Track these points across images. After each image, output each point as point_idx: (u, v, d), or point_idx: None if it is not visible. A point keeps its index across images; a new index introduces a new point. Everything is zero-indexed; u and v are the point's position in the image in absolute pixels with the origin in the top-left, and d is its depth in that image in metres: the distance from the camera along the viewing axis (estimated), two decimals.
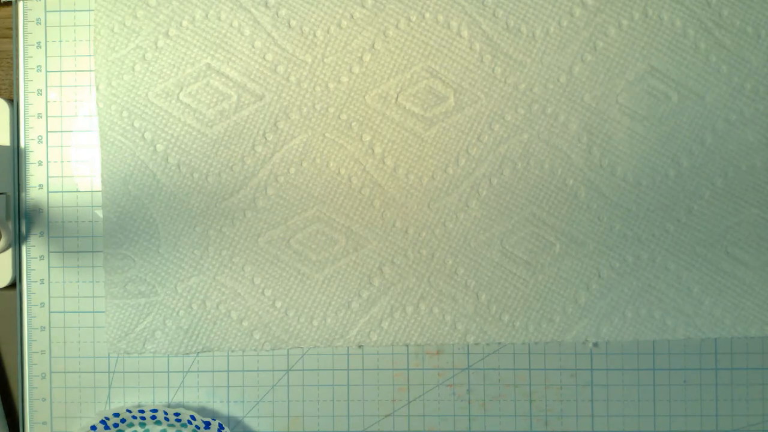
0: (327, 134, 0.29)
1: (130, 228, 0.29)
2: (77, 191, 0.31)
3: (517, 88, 0.29)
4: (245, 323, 0.30)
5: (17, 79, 0.30)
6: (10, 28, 0.31)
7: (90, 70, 0.30)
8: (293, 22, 0.29)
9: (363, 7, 0.29)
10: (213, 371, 0.29)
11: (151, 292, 0.30)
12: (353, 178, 0.30)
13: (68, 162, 0.31)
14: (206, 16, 0.29)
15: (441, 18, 0.29)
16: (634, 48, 0.29)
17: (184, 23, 0.29)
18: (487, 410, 0.31)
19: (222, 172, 0.29)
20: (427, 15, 0.29)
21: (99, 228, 0.31)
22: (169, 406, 0.30)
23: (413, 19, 0.29)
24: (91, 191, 0.31)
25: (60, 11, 0.30)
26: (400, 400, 0.31)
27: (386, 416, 0.31)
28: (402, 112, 0.29)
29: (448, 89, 0.29)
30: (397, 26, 0.29)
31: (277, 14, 0.29)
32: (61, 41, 0.30)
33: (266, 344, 0.30)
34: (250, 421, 0.31)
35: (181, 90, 0.29)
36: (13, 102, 0.31)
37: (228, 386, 0.31)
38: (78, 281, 0.31)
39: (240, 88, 0.29)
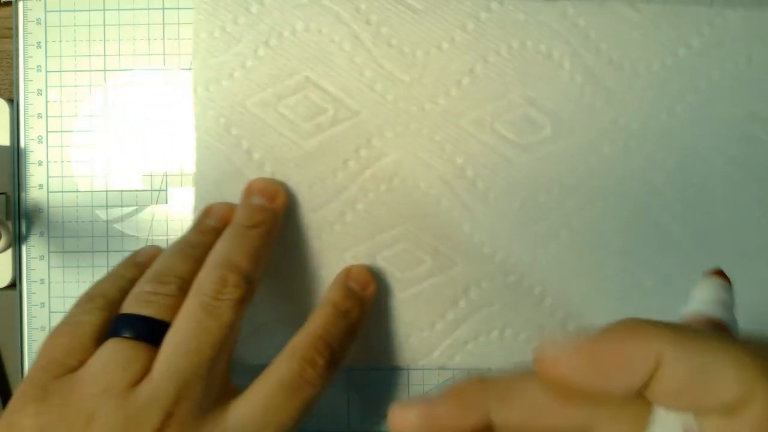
0: (419, 154, 0.29)
1: None
2: (77, 191, 0.31)
3: (616, 123, 0.29)
4: None
5: (17, 79, 0.30)
6: (10, 28, 0.31)
7: (90, 70, 0.31)
8: (394, 41, 0.29)
9: (464, 31, 0.29)
10: None
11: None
12: (443, 199, 0.29)
13: (68, 162, 0.31)
14: (307, 28, 0.29)
15: (543, 48, 0.29)
16: (735, 94, 0.29)
17: (285, 34, 0.29)
18: None
19: (313, 185, 0.29)
20: (529, 44, 0.29)
21: (99, 228, 0.31)
22: None
23: (515, 46, 0.29)
24: (92, 191, 0.31)
25: (60, 11, 0.30)
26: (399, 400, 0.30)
27: (386, 416, 0.30)
28: (496, 138, 0.29)
29: (545, 118, 0.29)
30: (497, 53, 0.29)
31: (378, 32, 0.29)
32: (61, 41, 0.30)
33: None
34: None
35: (279, 101, 0.29)
36: (13, 102, 0.31)
37: None
38: (78, 281, 0.31)
39: (337, 103, 0.29)
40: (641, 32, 0.29)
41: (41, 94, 0.31)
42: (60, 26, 0.30)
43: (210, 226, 0.27)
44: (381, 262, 0.30)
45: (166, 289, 0.24)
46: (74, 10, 0.30)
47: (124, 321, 0.23)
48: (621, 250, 0.29)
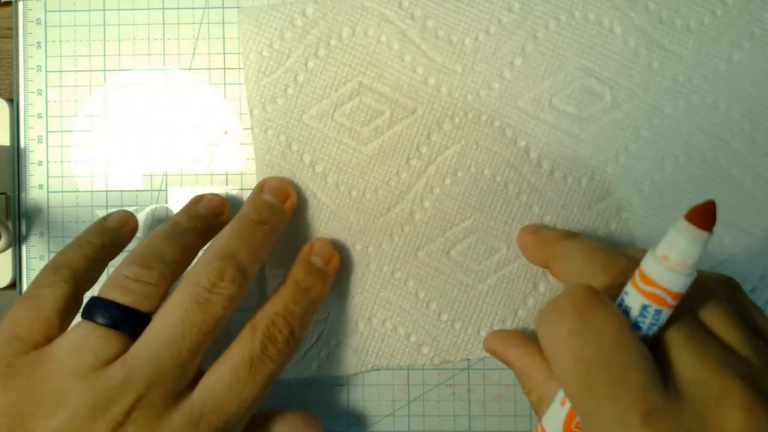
0: (480, 142, 0.29)
1: (293, 250, 0.29)
2: (77, 191, 0.31)
3: (676, 80, 0.29)
4: (413, 338, 0.30)
5: (17, 79, 0.30)
6: (10, 28, 0.31)
7: (90, 70, 0.30)
8: (441, 33, 0.29)
9: (510, 11, 0.29)
10: None
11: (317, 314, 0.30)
12: (510, 184, 0.29)
13: (68, 162, 0.31)
14: (353, 33, 0.29)
15: (591, 16, 0.29)
16: None
17: (333, 42, 0.29)
18: (487, 410, 0.30)
19: (378, 188, 0.29)
20: (577, 14, 0.29)
21: None
22: None
23: (563, 19, 0.29)
24: (91, 191, 0.31)
25: (60, 11, 0.30)
26: (400, 400, 0.31)
27: (386, 416, 0.31)
28: (557, 114, 0.29)
29: (604, 87, 0.29)
30: (546, 28, 0.29)
31: (424, 25, 0.29)
32: (61, 41, 0.30)
33: (435, 358, 0.30)
34: None
35: (335, 110, 0.29)
36: (13, 102, 0.31)
37: None
38: None
39: (393, 104, 0.29)
40: None
41: (41, 94, 0.31)
42: (60, 26, 0.30)
43: (200, 213, 0.27)
44: (456, 256, 0.30)
45: (149, 276, 0.24)
46: (74, 10, 0.30)
47: (100, 305, 0.23)
48: None
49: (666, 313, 0.20)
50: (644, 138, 0.29)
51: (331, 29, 0.29)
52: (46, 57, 0.30)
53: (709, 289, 0.22)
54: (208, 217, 0.27)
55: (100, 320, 0.22)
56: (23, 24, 0.30)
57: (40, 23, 0.30)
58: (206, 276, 0.23)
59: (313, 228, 0.29)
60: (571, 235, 0.27)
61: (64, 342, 0.22)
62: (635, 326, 0.20)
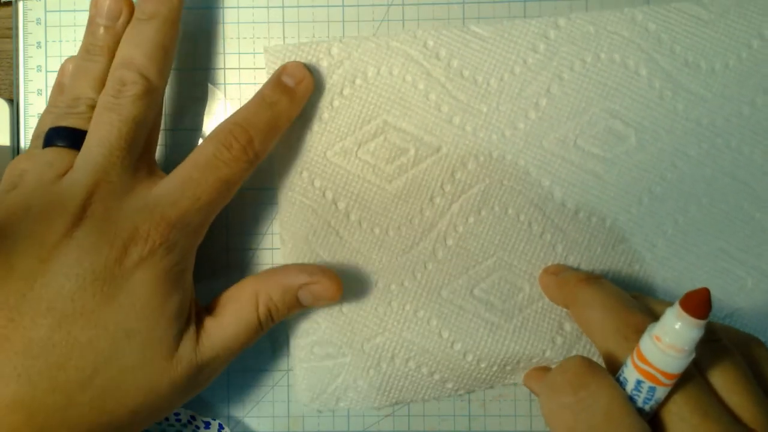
0: (505, 181, 0.29)
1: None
2: None
3: (700, 123, 0.29)
4: (437, 376, 0.29)
5: (17, 79, 0.30)
6: (10, 28, 0.31)
7: None
8: (466, 72, 0.29)
9: (536, 52, 0.29)
10: None
11: (338, 354, 0.29)
12: (533, 223, 0.29)
13: None
14: (378, 72, 0.29)
15: (617, 58, 0.29)
16: None
17: (358, 81, 0.29)
18: (487, 410, 0.30)
19: (402, 226, 0.29)
20: (603, 56, 0.29)
21: None
22: None
23: (588, 60, 0.29)
24: None
25: (60, 11, 0.30)
26: (404, 401, 0.30)
27: (386, 416, 0.30)
28: (581, 155, 0.29)
29: (629, 128, 0.29)
30: (572, 69, 0.29)
31: (449, 65, 0.29)
32: (61, 41, 0.30)
33: (460, 390, 0.30)
34: (250, 421, 0.31)
35: (359, 147, 0.29)
36: (13, 102, 0.31)
37: (228, 386, 0.30)
38: None
39: (417, 142, 0.29)
40: (712, 29, 0.29)
41: (41, 94, 0.30)
42: (60, 26, 0.30)
43: (101, 25, 0.27)
44: (480, 294, 0.29)
45: (78, 110, 0.26)
46: (74, 10, 0.30)
47: (50, 133, 0.26)
48: (718, 251, 0.29)
49: (661, 390, 0.20)
50: (668, 180, 0.29)
51: (356, 69, 0.29)
52: (46, 57, 0.30)
53: (724, 346, 0.22)
54: (110, 26, 0.27)
55: (59, 143, 0.26)
56: (23, 24, 0.30)
57: (40, 23, 0.30)
58: (109, 87, 0.26)
59: (334, 266, 0.29)
60: (591, 280, 0.27)
61: (31, 167, 0.25)
62: (631, 399, 0.20)
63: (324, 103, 0.29)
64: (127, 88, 0.25)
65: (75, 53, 0.30)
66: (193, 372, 0.24)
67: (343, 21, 0.30)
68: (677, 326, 0.19)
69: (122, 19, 0.27)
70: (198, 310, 0.26)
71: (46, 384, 0.22)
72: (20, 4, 0.30)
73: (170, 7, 0.27)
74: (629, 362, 0.20)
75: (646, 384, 0.20)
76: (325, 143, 0.29)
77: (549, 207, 0.29)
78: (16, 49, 0.30)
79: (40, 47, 0.30)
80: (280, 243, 0.30)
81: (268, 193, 0.30)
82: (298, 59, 0.28)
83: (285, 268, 0.27)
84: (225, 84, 0.30)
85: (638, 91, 0.29)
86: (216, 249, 0.30)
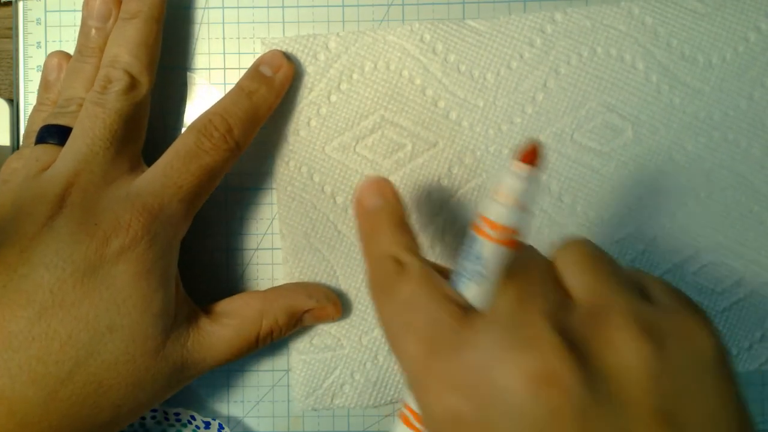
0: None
1: (313, 281, 0.29)
2: None
3: (697, 117, 0.29)
4: None
5: (17, 79, 0.30)
6: (10, 28, 0.31)
7: None
8: (462, 67, 0.29)
9: (532, 46, 0.29)
10: (213, 371, 0.28)
11: (336, 346, 0.30)
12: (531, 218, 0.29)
13: None
14: (375, 67, 0.29)
15: (614, 52, 0.29)
16: None
17: (355, 76, 0.29)
18: None
19: None
20: (599, 50, 0.29)
21: None
22: (168, 405, 0.30)
23: (585, 54, 0.29)
24: None
25: (60, 11, 0.30)
26: (400, 400, 0.30)
27: (386, 416, 0.30)
28: (578, 149, 0.29)
29: (626, 122, 0.29)
30: (568, 63, 0.29)
31: (445, 60, 0.29)
32: (61, 41, 0.30)
33: None
34: (250, 421, 0.31)
35: (357, 142, 0.29)
36: (13, 102, 0.31)
37: (228, 386, 0.30)
38: None
39: (414, 137, 0.29)
40: (709, 22, 0.29)
41: None
42: (60, 26, 0.30)
43: (93, 27, 0.28)
44: None
45: (69, 110, 0.27)
46: (74, 10, 0.30)
47: (42, 131, 0.26)
48: (715, 245, 0.29)
49: (487, 247, 0.19)
50: (666, 174, 0.29)
51: (353, 63, 0.29)
52: (45, 57, 0.30)
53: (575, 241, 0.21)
54: (101, 27, 0.28)
55: (50, 141, 0.26)
56: (23, 24, 0.30)
57: (40, 23, 0.30)
58: (97, 85, 0.26)
59: (333, 260, 0.29)
60: None
61: (20, 164, 0.26)
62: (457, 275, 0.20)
63: (322, 98, 0.29)
64: (113, 85, 0.26)
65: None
66: (177, 370, 0.25)
67: (343, 21, 0.30)
68: (506, 175, 0.19)
69: (112, 20, 0.28)
70: (193, 309, 0.26)
71: (26, 377, 0.22)
72: (20, 4, 0.30)
73: (151, 6, 0.27)
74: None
75: (472, 236, 0.20)
76: (324, 138, 0.29)
77: (546, 201, 0.29)
78: (16, 49, 0.30)
79: (40, 47, 0.30)
80: (280, 238, 0.30)
81: (268, 193, 0.30)
82: (294, 52, 0.29)
83: (293, 291, 0.28)
84: (225, 84, 0.30)
85: (635, 84, 0.29)
86: (216, 249, 0.30)
